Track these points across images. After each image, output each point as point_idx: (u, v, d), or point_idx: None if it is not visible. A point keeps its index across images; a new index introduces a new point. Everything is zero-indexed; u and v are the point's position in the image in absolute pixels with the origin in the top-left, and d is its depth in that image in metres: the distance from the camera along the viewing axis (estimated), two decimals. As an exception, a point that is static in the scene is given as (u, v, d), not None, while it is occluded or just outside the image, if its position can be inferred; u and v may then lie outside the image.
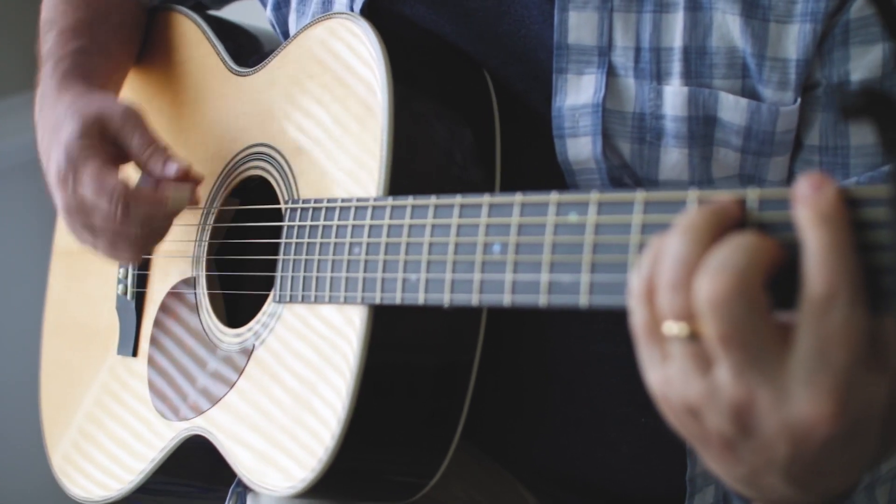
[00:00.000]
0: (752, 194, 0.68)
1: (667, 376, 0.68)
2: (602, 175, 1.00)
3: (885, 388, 0.64)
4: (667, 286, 0.66)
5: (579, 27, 0.99)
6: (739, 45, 0.96)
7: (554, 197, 0.80)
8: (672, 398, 0.68)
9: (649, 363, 0.69)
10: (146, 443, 1.23)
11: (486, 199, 0.86)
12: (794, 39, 0.95)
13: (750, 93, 0.97)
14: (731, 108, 0.97)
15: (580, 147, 1.00)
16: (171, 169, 1.15)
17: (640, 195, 0.74)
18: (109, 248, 1.17)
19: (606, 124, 0.99)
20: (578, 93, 1.00)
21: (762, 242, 0.65)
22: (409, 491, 1.05)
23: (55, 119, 1.19)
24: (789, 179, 1.02)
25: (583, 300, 0.76)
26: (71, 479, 1.34)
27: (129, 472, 1.25)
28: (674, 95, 0.98)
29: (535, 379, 1.11)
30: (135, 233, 1.14)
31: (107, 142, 1.16)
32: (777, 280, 0.64)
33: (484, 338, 1.02)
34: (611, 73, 0.99)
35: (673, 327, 0.66)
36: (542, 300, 0.79)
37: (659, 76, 0.98)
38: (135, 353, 1.28)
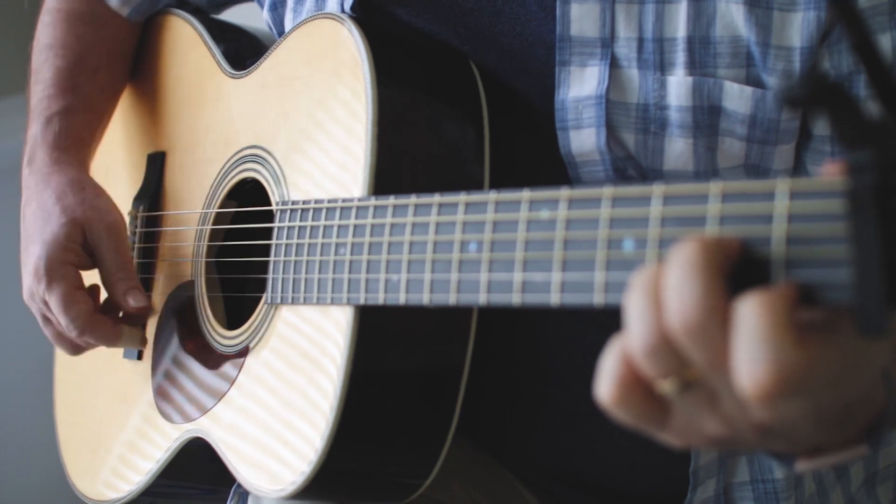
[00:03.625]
0: (715, 188, 0.67)
1: (681, 430, 0.67)
2: (606, 167, 0.99)
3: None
4: (644, 356, 0.64)
5: (581, 19, 0.98)
6: (744, 34, 0.95)
7: (526, 194, 0.79)
8: (698, 443, 0.68)
9: (655, 431, 0.68)
10: (151, 446, 1.24)
11: (462, 197, 0.85)
12: (798, 28, 0.94)
13: (755, 81, 0.96)
14: (737, 97, 0.96)
15: (584, 139, 0.99)
16: (129, 301, 1.22)
17: (607, 191, 0.73)
18: (52, 339, 1.27)
19: (610, 115, 0.98)
20: (582, 85, 0.99)
21: (712, 244, 0.63)
22: (405, 491, 1.05)
23: (45, 205, 1.25)
24: (796, 168, 1.00)
25: (554, 298, 0.75)
26: (82, 480, 1.36)
27: (137, 473, 1.26)
28: (678, 85, 0.96)
29: (531, 374, 1.10)
30: (80, 346, 1.25)
31: (85, 249, 1.23)
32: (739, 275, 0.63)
33: (478, 334, 1.02)
34: (614, 64, 0.98)
35: (665, 385, 0.64)
36: (516, 299, 0.79)
37: (662, 66, 0.97)
38: (140, 357, 1.30)
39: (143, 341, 1.26)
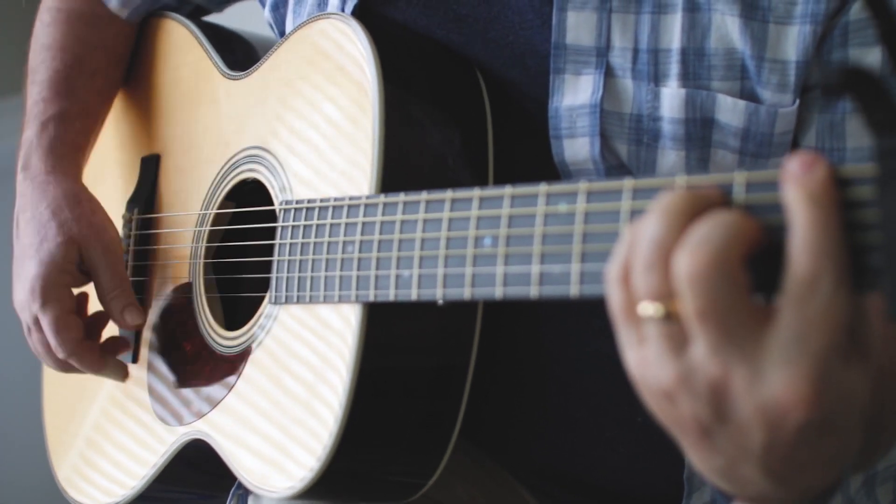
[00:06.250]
0: (740, 177, 0.67)
1: (643, 358, 0.67)
2: (600, 176, 1.00)
3: (866, 380, 0.63)
4: (642, 267, 0.66)
5: (577, 27, 0.98)
6: (738, 47, 0.95)
7: (543, 188, 0.79)
8: (648, 380, 0.67)
9: (627, 345, 0.69)
10: (148, 448, 1.23)
11: (476, 192, 0.85)
12: (793, 41, 0.94)
13: (749, 94, 0.96)
14: (730, 110, 0.96)
15: (577, 148, 1.00)
16: (126, 319, 1.24)
17: (628, 182, 0.73)
18: (36, 351, 1.28)
19: (604, 125, 0.98)
20: (576, 93, 0.99)
21: (743, 221, 0.64)
22: (408, 490, 1.05)
23: (40, 218, 1.26)
24: None
25: (573, 290, 0.76)
26: (74, 486, 1.34)
27: (132, 477, 1.25)
28: (671, 97, 0.97)
29: (533, 378, 1.10)
30: (63, 367, 1.26)
31: (80, 267, 1.25)
32: (759, 263, 0.64)
33: (481, 338, 1.02)
34: (608, 73, 0.98)
35: (648, 308, 0.65)
36: (534, 291, 0.79)
37: (657, 78, 0.97)
38: (135, 360, 1.29)
39: (125, 376, 1.28)
